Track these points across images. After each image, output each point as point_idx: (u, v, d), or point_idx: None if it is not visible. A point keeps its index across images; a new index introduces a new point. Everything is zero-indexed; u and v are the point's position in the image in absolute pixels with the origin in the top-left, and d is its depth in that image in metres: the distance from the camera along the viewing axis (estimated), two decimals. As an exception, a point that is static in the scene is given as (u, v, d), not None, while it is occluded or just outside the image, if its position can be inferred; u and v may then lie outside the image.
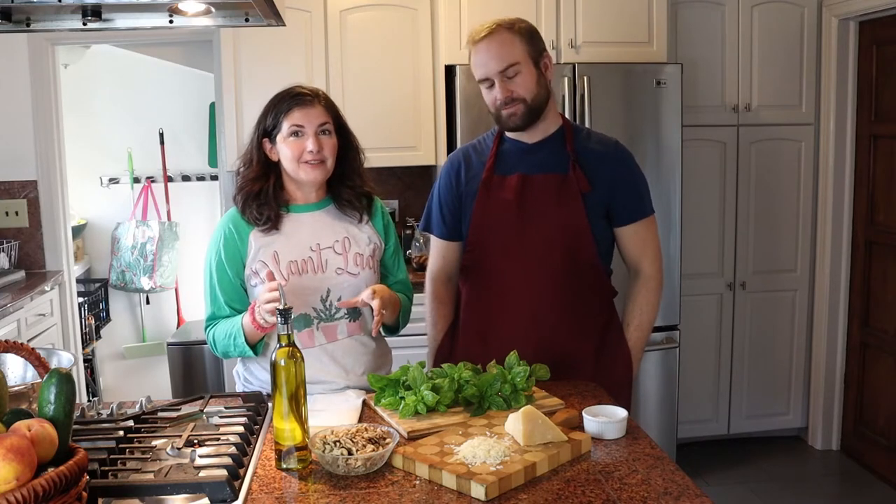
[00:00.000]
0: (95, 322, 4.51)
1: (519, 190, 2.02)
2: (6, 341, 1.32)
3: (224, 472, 1.36)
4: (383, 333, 2.06)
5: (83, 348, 4.16)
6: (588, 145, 2.05)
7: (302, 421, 1.48)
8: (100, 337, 4.64)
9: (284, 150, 1.88)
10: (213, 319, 1.95)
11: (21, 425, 1.14)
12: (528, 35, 1.97)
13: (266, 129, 1.89)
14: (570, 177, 2.00)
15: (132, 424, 1.64)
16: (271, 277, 1.79)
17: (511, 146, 2.07)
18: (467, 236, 2.09)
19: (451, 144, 3.46)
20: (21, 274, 3.56)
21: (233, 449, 1.48)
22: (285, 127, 1.86)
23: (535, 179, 2.02)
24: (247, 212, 1.91)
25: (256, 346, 1.89)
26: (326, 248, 1.93)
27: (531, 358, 1.83)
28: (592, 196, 2.00)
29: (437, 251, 2.19)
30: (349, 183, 1.96)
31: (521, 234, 2.01)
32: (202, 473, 1.38)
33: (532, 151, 2.05)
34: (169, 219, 4.74)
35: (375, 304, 1.82)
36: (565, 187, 2.00)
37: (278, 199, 1.92)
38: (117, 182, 4.77)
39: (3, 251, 3.54)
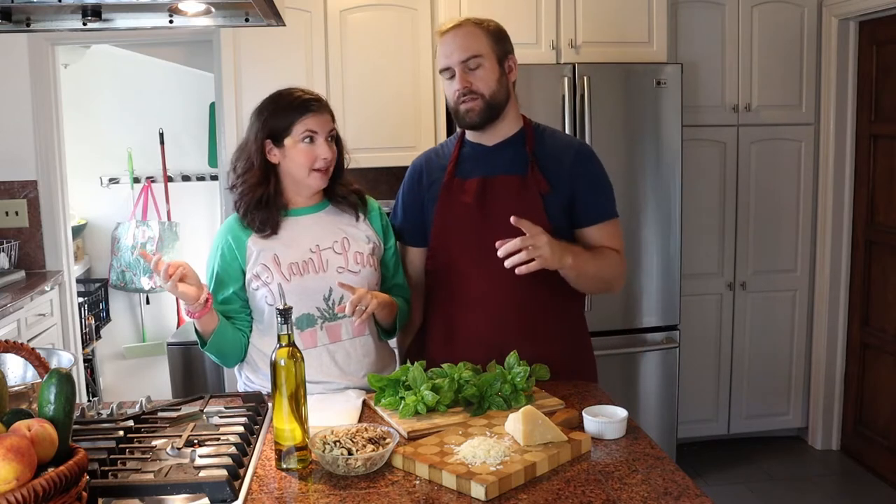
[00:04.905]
0: (95, 322, 4.51)
1: (479, 193, 1.99)
2: (6, 341, 1.32)
3: (224, 472, 1.36)
4: (381, 338, 2.06)
5: (83, 348, 4.16)
6: (549, 146, 2.02)
7: (302, 421, 1.48)
8: (100, 337, 4.64)
9: (295, 155, 1.87)
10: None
11: (21, 425, 1.14)
12: (496, 34, 1.97)
13: (272, 132, 1.87)
14: (529, 178, 1.97)
15: (132, 424, 1.64)
16: (148, 258, 1.75)
17: (471, 149, 2.05)
18: (430, 241, 2.08)
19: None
20: (21, 274, 3.56)
21: (233, 449, 1.48)
22: (297, 132, 1.85)
23: (495, 182, 2.00)
24: (248, 217, 1.90)
25: (211, 340, 1.88)
26: (326, 249, 1.93)
27: (497, 361, 1.83)
28: (553, 197, 1.97)
29: (403, 257, 2.16)
30: (340, 181, 1.98)
31: (482, 236, 1.95)
32: (202, 473, 1.38)
33: (492, 154, 2.02)
34: (169, 219, 4.74)
35: (358, 295, 1.81)
36: (524, 189, 1.97)
37: (279, 204, 1.92)
38: (117, 182, 4.77)
39: (3, 251, 3.54)
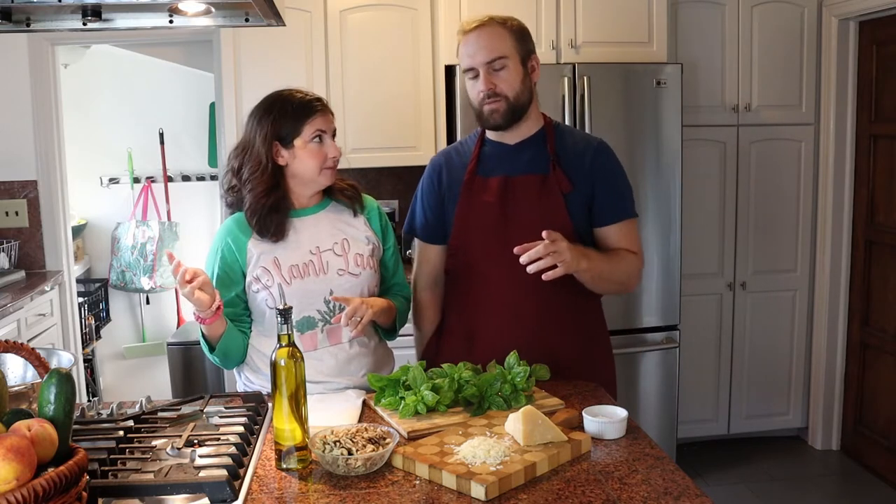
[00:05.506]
0: (95, 322, 4.52)
1: (500, 192, 1.99)
2: (6, 341, 1.32)
3: (224, 472, 1.36)
4: (381, 337, 2.06)
5: (83, 348, 4.16)
6: (570, 145, 2.02)
7: (302, 421, 1.48)
8: (100, 337, 4.64)
9: (306, 156, 1.87)
10: None
11: (21, 425, 1.14)
12: (519, 33, 1.96)
13: (281, 134, 1.87)
14: (551, 177, 1.97)
15: (132, 424, 1.64)
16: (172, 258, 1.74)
17: (492, 148, 2.05)
18: (450, 239, 2.08)
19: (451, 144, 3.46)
20: (21, 274, 3.56)
21: (233, 449, 1.48)
22: (307, 132, 1.86)
23: (516, 181, 2.00)
24: (261, 223, 1.88)
25: (218, 345, 1.88)
26: (326, 251, 1.93)
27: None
28: (574, 196, 1.97)
29: (422, 255, 2.17)
30: (336, 177, 1.98)
31: (504, 235, 1.96)
32: (202, 473, 1.38)
33: (513, 152, 2.02)
34: (169, 219, 4.75)
35: (354, 305, 1.81)
36: (546, 188, 1.97)
37: (287, 207, 1.92)
38: (117, 182, 4.77)
39: (3, 251, 3.54)
